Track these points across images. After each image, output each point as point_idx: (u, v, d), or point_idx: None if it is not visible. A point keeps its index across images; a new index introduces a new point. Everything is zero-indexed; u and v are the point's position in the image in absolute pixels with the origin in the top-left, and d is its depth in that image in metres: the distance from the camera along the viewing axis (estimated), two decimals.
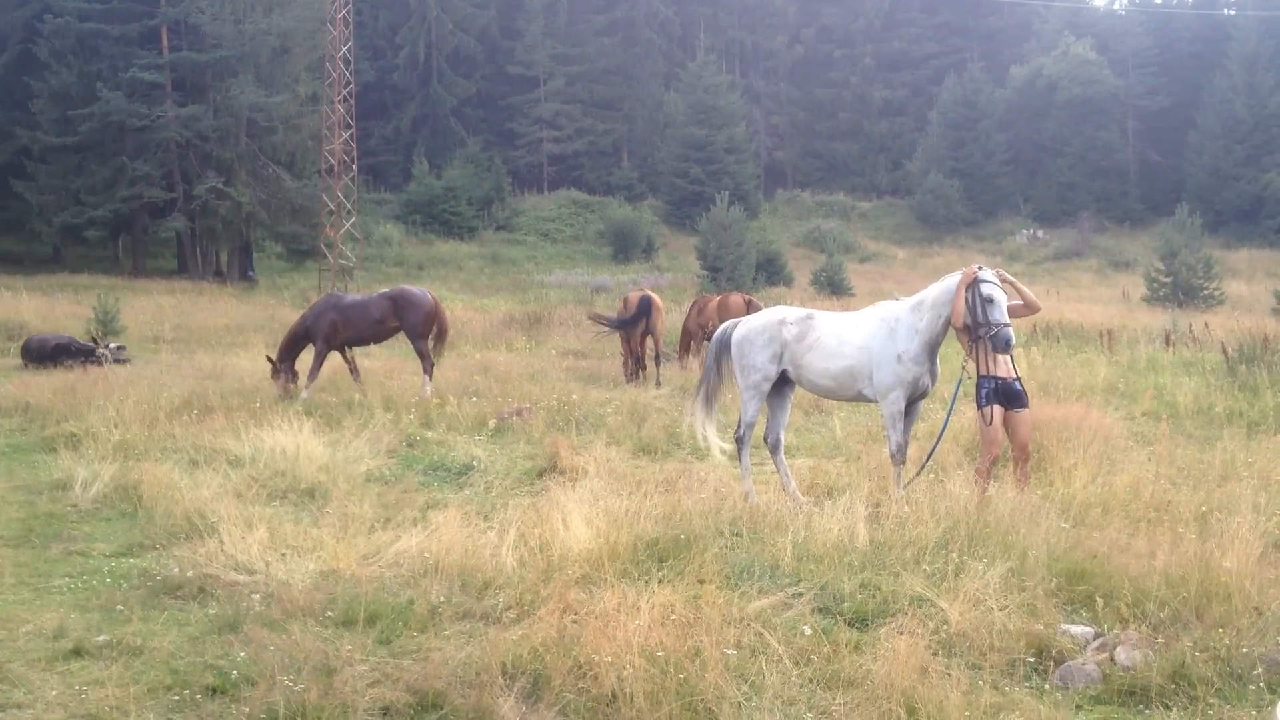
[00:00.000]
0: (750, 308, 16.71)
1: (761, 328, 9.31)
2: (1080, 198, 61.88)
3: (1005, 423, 8.58)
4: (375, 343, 16.66)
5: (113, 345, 20.23)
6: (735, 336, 9.49)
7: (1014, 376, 8.60)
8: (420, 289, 16.32)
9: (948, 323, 8.49)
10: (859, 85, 71.40)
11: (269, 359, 15.61)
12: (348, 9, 42.29)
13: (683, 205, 57.24)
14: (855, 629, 6.03)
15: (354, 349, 16.15)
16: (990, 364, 8.52)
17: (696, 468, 10.15)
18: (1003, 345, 8.24)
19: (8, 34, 44.22)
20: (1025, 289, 8.69)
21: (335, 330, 15.39)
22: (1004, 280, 8.50)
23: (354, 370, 15.84)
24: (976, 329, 8.33)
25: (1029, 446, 8.70)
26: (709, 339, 14.60)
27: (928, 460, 8.96)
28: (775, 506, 8.31)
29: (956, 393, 8.88)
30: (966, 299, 8.33)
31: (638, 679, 5.06)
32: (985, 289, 8.28)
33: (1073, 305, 30.71)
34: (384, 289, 17.02)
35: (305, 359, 15.50)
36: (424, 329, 15.48)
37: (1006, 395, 8.54)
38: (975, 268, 8.55)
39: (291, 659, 5.49)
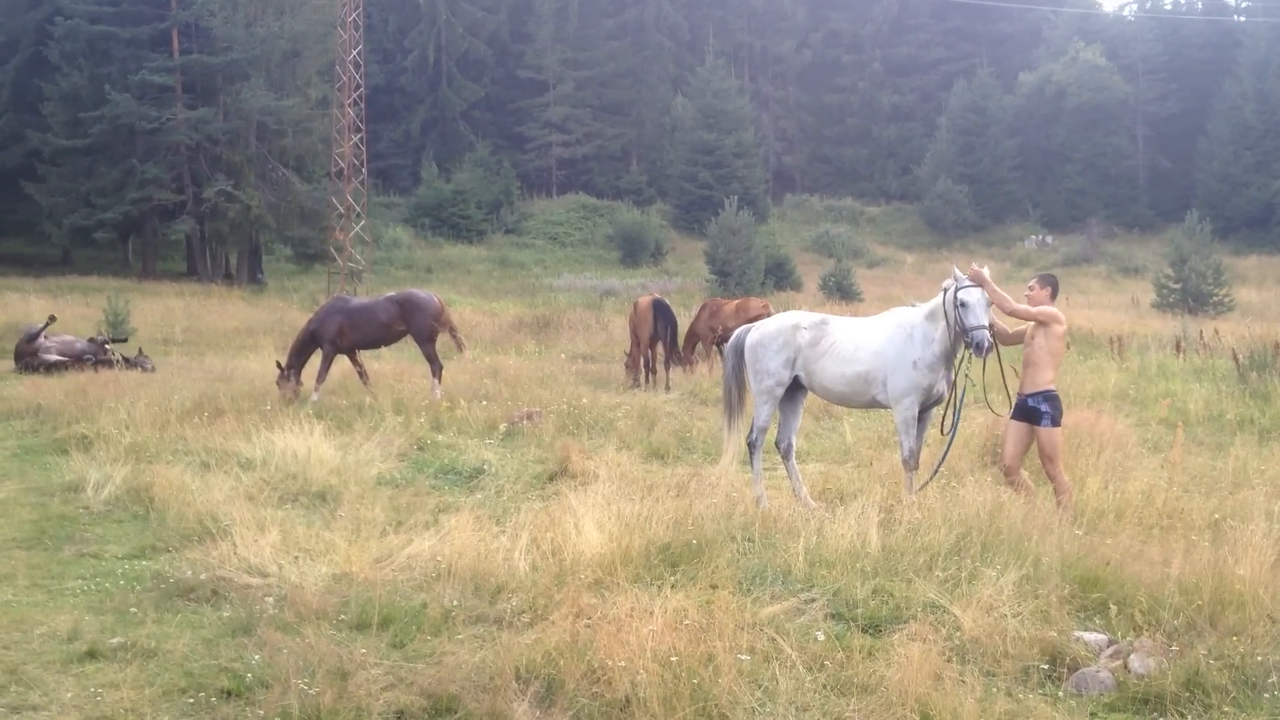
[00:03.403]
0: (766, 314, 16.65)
1: (775, 332, 9.30)
2: (1089, 204, 61.90)
3: (1029, 438, 8.55)
4: (383, 346, 16.66)
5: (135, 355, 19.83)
6: (749, 341, 9.49)
7: (1028, 392, 8.49)
8: (426, 292, 16.27)
9: None
10: (868, 90, 71.43)
11: (278, 365, 15.60)
12: (358, 13, 42.40)
13: (691, 209, 57.31)
14: (868, 635, 6.03)
15: (362, 352, 16.15)
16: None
17: (708, 472, 10.14)
18: (975, 350, 8.24)
19: (19, 36, 44.39)
20: (1000, 292, 8.46)
21: (342, 333, 15.37)
22: (980, 280, 8.36)
23: (362, 374, 15.82)
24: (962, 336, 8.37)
25: (1061, 476, 8.39)
26: (721, 342, 14.59)
27: (938, 468, 8.94)
28: (787, 512, 8.31)
29: (961, 400, 8.85)
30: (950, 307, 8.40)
31: (651, 684, 5.07)
32: (961, 295, 8.32)
33: (1082, 311, 30.67)
34: (391, 292, 17.00)
35: (313, 364, 15.51)
36: (430, 332, 15.47)
37: (1016, 408, 8.61)
38: (952, 280, 8.47)
39: (306, 662, 5.50)
